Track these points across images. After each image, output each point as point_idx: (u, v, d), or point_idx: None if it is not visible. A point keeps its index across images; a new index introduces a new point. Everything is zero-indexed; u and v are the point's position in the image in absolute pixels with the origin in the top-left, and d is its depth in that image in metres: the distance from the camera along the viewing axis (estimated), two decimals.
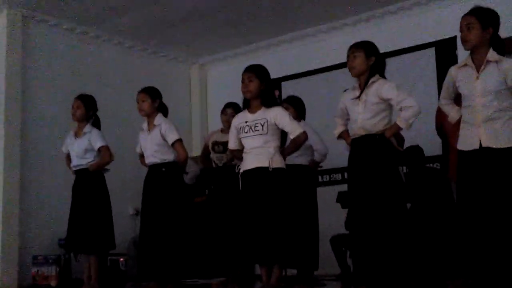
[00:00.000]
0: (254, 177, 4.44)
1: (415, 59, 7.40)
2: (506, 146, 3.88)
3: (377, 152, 4.27)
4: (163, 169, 5.36)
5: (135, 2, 7.17)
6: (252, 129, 4.48)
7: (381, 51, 4.48)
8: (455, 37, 6.62)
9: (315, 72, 8.14)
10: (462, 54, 4.65)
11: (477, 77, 3.95)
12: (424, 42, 7.32)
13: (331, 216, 6.21)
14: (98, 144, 5.64)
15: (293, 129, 4.47)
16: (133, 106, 5.56)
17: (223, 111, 5.97)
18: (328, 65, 7.86)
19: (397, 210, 4.26)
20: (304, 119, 5.78)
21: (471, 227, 3.91)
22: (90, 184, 5.64)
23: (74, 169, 5.76)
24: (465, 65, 4.04)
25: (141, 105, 5.42)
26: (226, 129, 5.76)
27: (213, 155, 5.94)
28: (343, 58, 4.48)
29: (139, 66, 8.50)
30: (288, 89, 7.72)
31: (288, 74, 8.30)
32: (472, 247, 3.91)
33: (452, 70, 4.13)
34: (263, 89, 4.51)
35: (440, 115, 5.21)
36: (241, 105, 4.78)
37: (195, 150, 8.54)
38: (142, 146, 5.50)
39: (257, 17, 7.72)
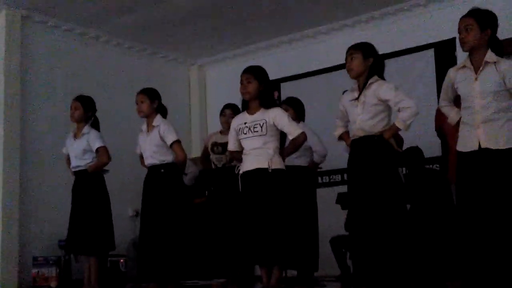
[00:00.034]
0: (254, 178, 4.44)
1: (414, 60, 7.39)
2: (505, 147, 3.89)
3: (376, 153, 4.27)
4: (162, 170, 5.36)
5: (134, 3, 7.17)
6: (251, 130, 4.48)
7: (380, 52, 4.48)
8: (454, 38, 6.59)
9: (314, 73, 8.13)
10: (461, 55, 4.66)
11: (476, 79, 3.95)
12: (423, 44, 7.31)
13: (331, 217, 6.21)
14: (96, 145, 5.62)
15: (292, 129, 4.46)
16: (132, 107, 5.55)
17: (222, 112, 5.97)
18: (328, 66, 7.85)
19: (397, 211, 4.25)
20: (303, 120, 5.79)
21: (470, 228, 3.92)
22: (89, 186, 5.63)
23: (73, 170, 5.75)
24: (464, 66, 4.04)
25: (140, 106, 5.42)
26: (225, 130, 5.76)
27: (212, 156, 5.94)
28: (342, 59, 4.48)
29: (138, 67, 8.49)
30: (287, 90, 7.71)
31: (288, 75, 8.30)
32: (471, 248, 3.91)
33: (451, 72, 4.14)
34: (261, 90, 4.50)
35: (440, 117, 5.22)
36: (240, 106, 4.78)
37: (194, 151, 8.55)
38: (142, 147, 5.50)
39: (256, 18, 7.71)
